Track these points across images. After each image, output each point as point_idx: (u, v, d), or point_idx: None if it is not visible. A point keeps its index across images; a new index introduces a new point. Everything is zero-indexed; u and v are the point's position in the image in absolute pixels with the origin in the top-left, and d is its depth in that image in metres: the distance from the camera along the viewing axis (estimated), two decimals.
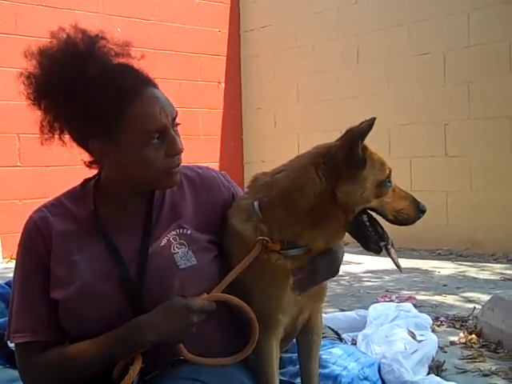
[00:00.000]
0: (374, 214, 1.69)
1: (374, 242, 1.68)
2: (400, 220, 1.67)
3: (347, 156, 1.62)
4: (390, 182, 1.68)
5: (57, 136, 1.69)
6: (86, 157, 1.70)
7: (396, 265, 1.72)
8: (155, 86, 1.66)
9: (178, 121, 1.66)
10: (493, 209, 6.10)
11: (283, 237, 1.65)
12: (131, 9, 7.29)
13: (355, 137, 1.62)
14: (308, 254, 1.67)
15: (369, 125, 1.61)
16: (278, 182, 1.69)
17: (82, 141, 1.66)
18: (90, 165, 1.72)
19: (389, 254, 1.70)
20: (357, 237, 1.68)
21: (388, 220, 1.67)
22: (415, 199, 1.70)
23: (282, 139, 7.75)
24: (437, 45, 6.48)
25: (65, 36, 1.65)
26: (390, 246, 1.70)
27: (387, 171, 1.68)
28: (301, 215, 1.64)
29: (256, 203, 1.69)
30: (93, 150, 1.64)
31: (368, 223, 1.67)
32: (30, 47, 1.64)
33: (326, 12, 7.38)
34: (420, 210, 1.69)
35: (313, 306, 1.80)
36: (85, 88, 1.57)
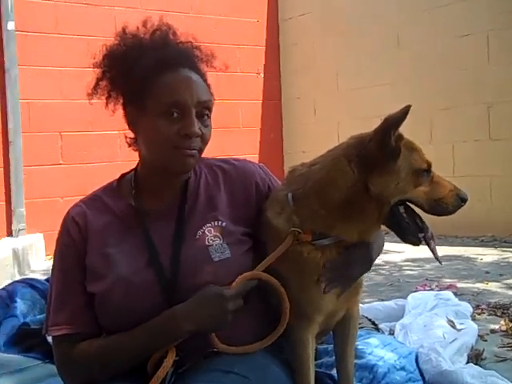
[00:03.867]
0: (411, 204, 1.65)
1: (412, 234, 1.64)
2: (439, 210, 1.62)
3: (380, 147, 1.58)
4: (428, 172, 1.63)
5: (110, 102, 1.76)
6: (129, 134, 1.76)
7: (436, 257, 1.67)
8: (199, 72, 1.70)
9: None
10: None
11: (315, 228, 1.64)
12: (169, 3, 7.33)
13: (387, 126, 1.58)
14: (341, 244, 1.65)
15: (403, 113, 1.56)
16: (312, 174, 1.68)
17: (124, 109, 1.72)
18: (130, 144, 1.76)
19: (428, 246, 1.66)
20: (394, 229, 1.64)
21: (426, 211, 1.62)
22: (455, 187, 1.64)
23: (323, 128, 7.70)
24: (480, 25, 6.33)
25: (164, 28, 1.76)
26: (429, 238, 1.65)
27: (424, 162, 1.63)
28: (334, 207, 1.62)
29: (290, 195, 1.68)
30: (128, 118, 1.71)
31: (405, 214, 1.63)
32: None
33: None
34: (461, 199, 1.62)
35: (349, 301, 1.78)
36: (137, 57, 1.67)
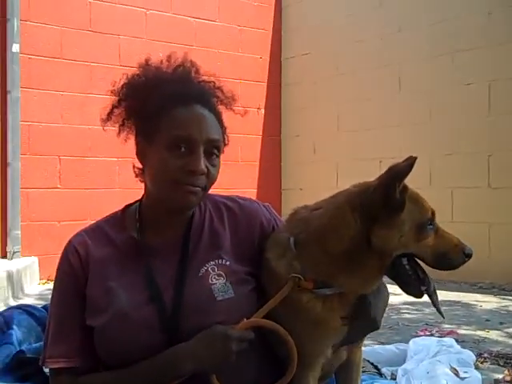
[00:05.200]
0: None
1: (414, 287, 1.59)
2: (443, 265, 1.58)
3: (384, 198, 1.53)
4: (432, 224, 1.58)
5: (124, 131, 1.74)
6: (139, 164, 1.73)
7: (439, 311, 1.63)
8: (214, 111, 1.67)
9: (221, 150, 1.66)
10: None
11: (317, 276, 1.59)
12: (174, 34, 7.38)
13: (393, 178, 1.53)
14: (343, 296, 1.61)
15: (408, 165, 1.52)
16: (314, 220, 1.63)
17: (136, 139, 1.70)
18: (137, 173, 1.73)
19: (432, 301, 1.62)
20: (396, 280, 1.59)
21: (429, 264, 1.58)
22: (460, 242, 1.60)
23: (321, 167, 7.71)
24: (481, 74, 6.41)
25: (188, 65, 1.74)
26: (432, 292, 1.61)
27: (429, 213, 1.59)
28: (335, 256, 1.57)
29: (292, 239, 1.64)
30: (138, 148, 1.68)
31: (408, 266, 1.58)
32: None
33: (369, 40, 7.37)
34: (465, 255, 1.58)
35: (352, 344, 1.73)
36: (154, 89, 1.65)
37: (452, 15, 6.69)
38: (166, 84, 1.66)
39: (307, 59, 8.09)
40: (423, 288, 1.60)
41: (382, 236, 1.53)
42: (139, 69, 1.72)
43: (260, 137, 8.18)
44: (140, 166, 1.71)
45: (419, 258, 1.59)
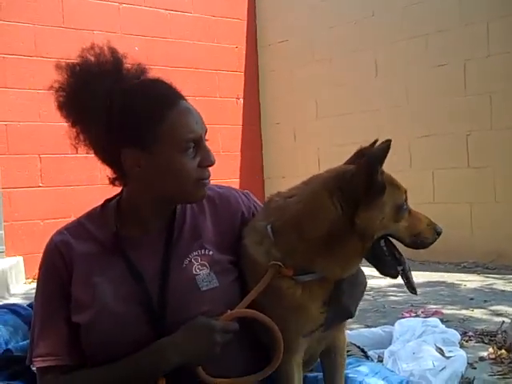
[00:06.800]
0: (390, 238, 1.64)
1: (391, 267, 1.63)
2: (417, 244, 1.63)
3: (366, 183, 1.55)
4: (406, 205, 1.63)
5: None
6: (109, 173, 1.68)
7: (412, 287, 1.66)
8: (185, 99, 1.67)
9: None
10: None
11: (296, 262, 1.60)
12: (148, 27, 7.34)
13: (374, 163, 1.55)
14: (323, 281, 1.62)
15: (385, 148, 1.55)
16: (290, 207, 1.64)
17: (112, 152, 1.62)
18: (113, 181, 1.69)
19: (407, 279, 1.65)
20: (373, 262, 1.62)
21: (405, 244, 1.62)
22: (431, 221, 1.65)
23: (302, 154, 7.73)
24: (456, 55, 6.44)
25: (97, 51, 1.66)
26: (407, 271, 1.64)
27: (404, 194, 1.63)
28: (314, 242, 1.58)
29: (269, 227, 1.64)
30: (124, 161, 1.61)
31: (385, 248, 1.61)
32: (61, 62, 1.68)
33: (343, 25, 7.38)
34: (437, 233, 1.64)
35: (334, 328, 1.74)
36: (123, 96, 1.59)
37: None
38: (133, 92, 1.61)
39: (283, 47, 8.08)
40: (399, 268, 1.63)
41: (366, 218, 1.55)
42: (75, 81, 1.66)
43: (240, 126, 8.18)
44: (113, 175, 1.67)
45: (396, 239, 1.62)
